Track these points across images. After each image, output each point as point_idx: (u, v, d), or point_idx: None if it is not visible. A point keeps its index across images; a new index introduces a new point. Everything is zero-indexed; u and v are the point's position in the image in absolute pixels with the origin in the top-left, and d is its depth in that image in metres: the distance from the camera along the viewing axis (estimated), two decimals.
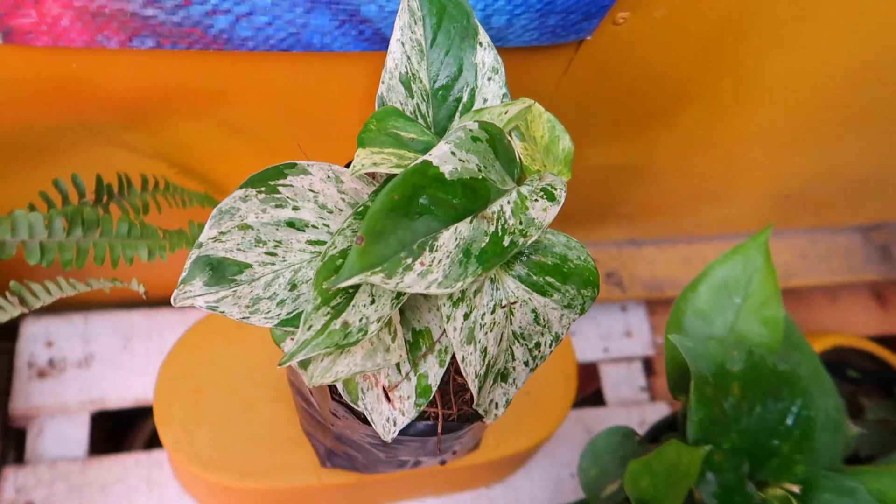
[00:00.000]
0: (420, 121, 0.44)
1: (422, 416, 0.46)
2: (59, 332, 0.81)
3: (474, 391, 0.40)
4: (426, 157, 0.37)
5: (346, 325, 0.37)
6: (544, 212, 0.39)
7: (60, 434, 0.78)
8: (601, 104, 0.65)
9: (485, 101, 0.45)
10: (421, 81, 0.44)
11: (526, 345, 0.43)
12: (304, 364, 0.38)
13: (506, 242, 0.38)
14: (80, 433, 0.78)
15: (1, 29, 0.45)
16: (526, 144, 0.44)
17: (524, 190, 0.42)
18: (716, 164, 0.79)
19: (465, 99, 0.44)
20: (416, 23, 0.43)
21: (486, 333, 0.40)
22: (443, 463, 0.60)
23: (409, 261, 0.35)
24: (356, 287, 0.39)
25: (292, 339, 0.42)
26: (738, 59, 0.62)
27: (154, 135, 0.59)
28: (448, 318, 0.39)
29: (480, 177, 0.39)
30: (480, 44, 0.44)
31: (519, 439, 0.69)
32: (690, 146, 0.75)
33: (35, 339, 0.80)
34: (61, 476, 0.75)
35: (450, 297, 0.40)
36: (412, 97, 0.44)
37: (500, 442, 0.68)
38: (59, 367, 0.80)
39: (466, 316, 0.40)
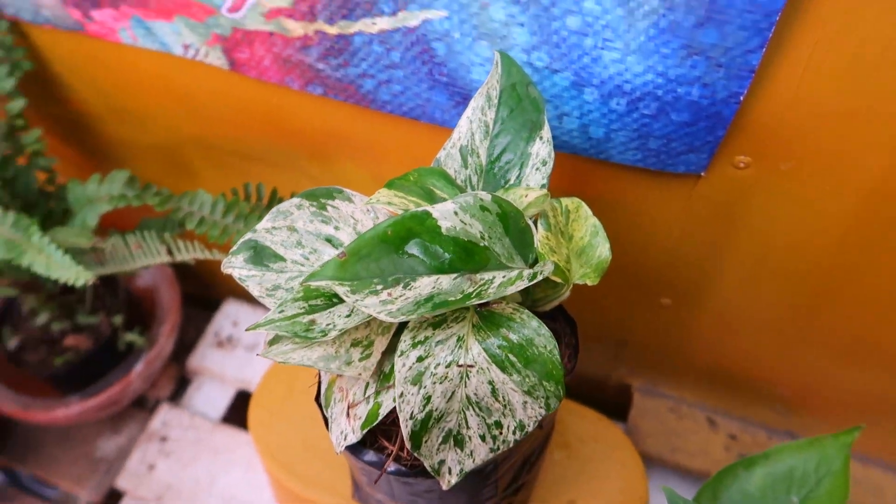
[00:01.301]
0: (468, 189, 0.49)
1: (381, 451, 0.49)
2: (246, 317, 0.99)
3: (405, 432, 0.42)
4: (429, 207, 0.42)
5: (312, 322, 0.43)
6: (515, 287, 0.41)
7: (210, 396, 0.94)
8: (732, 255, 0.62)
9: (527, 186, 0.48)
10: (478, 157, 0.49)
11: (483, 417, 0.44)
12: (273, 342, 0.45)
13: (467, 301, 0.41)
14: (222, 401, 0.93)
15: (228, 58, 0.62)
16: (549, 234, 0.46)
17: (526, 273, 0.43)
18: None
19: (511, 181, 0.48)
20: (489, 108, 0.49)
21: (435, 383, 0.42)
22: None
23: (379, 288, 0.40)
24: (342, 299, 0.44)
25: None
26: None
27: (327, 170, 0.72)
28: (402, 353, 0.42)
29: (482, 244, 0.43)
30: (541, 137, 0.48)
31: None
32: (863, 335, 0.65)
33: (227, 316, 0.99)
34: (195, 427, 0.90)
35: (413, 337, 0.43)
36: (466, 168, 0.49)
37: None
38: (234, 343, 0.97)
39: (421, 359, 0.43)
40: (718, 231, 0.60)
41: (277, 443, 0.72)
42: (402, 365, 0.42)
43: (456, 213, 0.42)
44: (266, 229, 0.49)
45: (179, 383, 0.97)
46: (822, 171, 0.52)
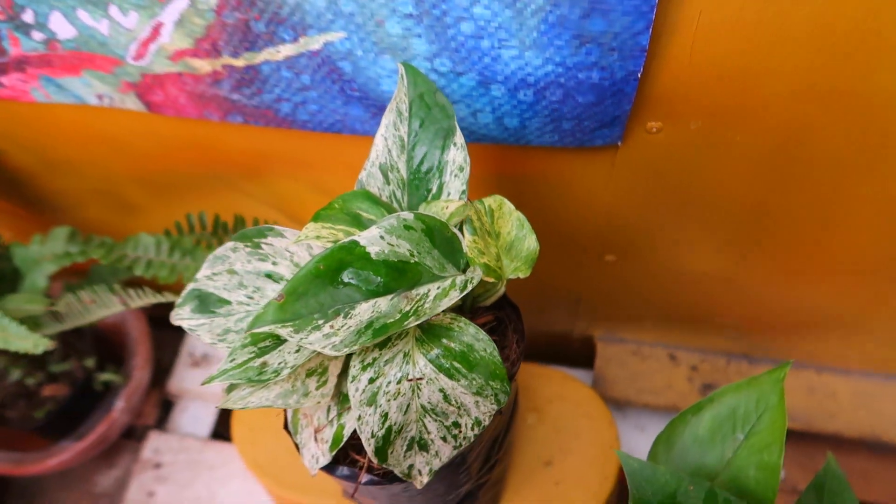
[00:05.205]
0: (395, 205, 0.51)
1: (354, 464, 0.52)
2: None
3: (369, 450, 0.45)
4: (356, 237, 0.44)
5: (264, 364, 0.45)
6: (450, 300, 0.43)
7: (195, 415, 0.96)
8: (661, 210, 0.64)
9: (449, 193, 0.49)
10: (399, 172, 0.50)
11: (441, 421, 0.46)
12: (230, 389, 0.47)
13: (406, 322, 0.43)
14: (208, 418, 0.96)
15: (143, 101, 0.62)
16: (476, 238, 0.48)
17: (459, 279, 0.46)
18: (832, 289, 0.71)
19: (433, 190, 0.50)
20: (401, 122, 0.50)
21: (390, 400, 0.45)
22: None
23: (321, 322, 0.42)
24: None
25: None
26: (809, 182, 0.58)
27: (264, 187, 0.73)
28: (353, 378, 0.45)
29: (413, 261, 0.45)
30: (455, 144, 0.49)
31: None
32: (789, 266, 0.69)
33: None
34: (186, 449, 0.92)
35: (361, 360, 0.45)
36: (388, 184, 0.51)
37: None
38: (210, 361, 0.98)
39: (372, 380, 0.45)
40: (645, 190, 0.63)
41: (264, 456, 0.75)
42: (356, 389, 0.45)
43: (382, 238, 0.44)
44: (207, 276, 0.50)
45: (163, 407, 0.98)
46: (729, 125, 0.54)
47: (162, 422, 0.97)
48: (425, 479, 0.49)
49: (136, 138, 0.68)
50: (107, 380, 0.86)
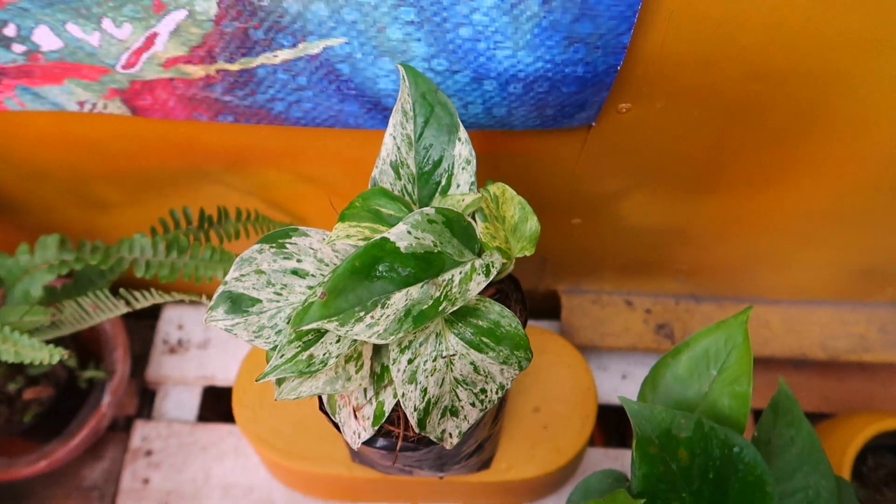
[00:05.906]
0: (407, 197, 0.55)
1: (388, 435, 0.57)
2: (189, 318, 1.02)
3: (413, 422, 0.50)
4: (385, 234, 0.48)
5: (311, 357, 0.49)
6: (478, 285, 0.48)
7: (179, 400, 0.98)
8: (625, 177, 0.71)
9: (458, 185, 0.54)
10: (408, 167, 0.54)
11: (470, 389, 0.52)
12: (280, 382, 0.51)
13: (441, 307, 0.48)
14: (193, 402, 0.98)
15: (129, 106, 0.62)
16: (487, 224, 0.53)
17: (477, 263, 0.51)
18: (766, 234, 0.81)
19: (443, 183, 0.54)
20: (407, 121, 0.54)
21: (427, 377, 0.50)
22: (440, 478, 0.70)
23: (362, 314, 0.46)
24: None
25: None
26: (754, 147, 0.66)
27: (247, 178, 0.75)
28: (394, 360, 0.50)
29: (436, 251, 0.49)
30: (460, 139, 0.54)
31: (529, 467, 0.77)
32: (733, 217, 0.78)
33: (171, 322, 1.01)
34: (175, 433, 0.94)
35: (399, 344, 0.50)
36: (400, 179, 0.55)
37: (512, 466, 0.77)
38: (185, 346, 1.00)
39: (410, 361, 0.50)
40: (612, 161, 0.69)
41: (269, 432, 0.79)
42: (397, 370, 0.49)
43: (409, 232, 0.48)
44: (235, 278, 0.53)
45: (142, 396, 1.00)
46: (689, 103, 0.61)
47: (143, 411, 0.99)
48: (455, 441, 0.55)
49: (115, 140, 0.68)
50: (91, 377, 0.86)
